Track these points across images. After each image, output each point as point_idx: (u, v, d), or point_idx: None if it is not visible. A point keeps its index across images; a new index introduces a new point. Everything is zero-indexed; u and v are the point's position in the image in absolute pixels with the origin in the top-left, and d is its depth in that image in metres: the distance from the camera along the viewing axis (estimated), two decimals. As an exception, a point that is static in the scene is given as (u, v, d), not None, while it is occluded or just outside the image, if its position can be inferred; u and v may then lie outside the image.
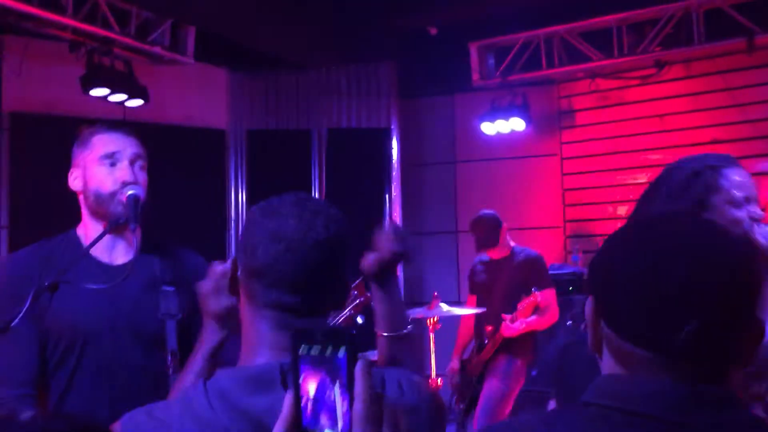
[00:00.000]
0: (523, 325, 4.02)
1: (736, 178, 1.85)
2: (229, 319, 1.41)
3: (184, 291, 1.93)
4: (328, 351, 0.79)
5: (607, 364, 0.98)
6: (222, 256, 5.93)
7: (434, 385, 3.94)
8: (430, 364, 3.96)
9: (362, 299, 2.34)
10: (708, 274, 0.91)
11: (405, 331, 1.56)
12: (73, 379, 1.87)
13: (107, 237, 1.92)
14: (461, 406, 4.36)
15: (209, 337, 1.44)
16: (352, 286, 2.38)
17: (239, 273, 1.22)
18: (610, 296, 0.97)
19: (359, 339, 0.76)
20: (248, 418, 1.08)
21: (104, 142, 1.94)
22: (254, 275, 1.18)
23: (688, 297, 0.90)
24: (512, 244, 4.41)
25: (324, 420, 0.77)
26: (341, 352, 0.78)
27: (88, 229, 1.96)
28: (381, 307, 1.58)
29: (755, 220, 1.85)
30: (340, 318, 2.31)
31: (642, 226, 1.01)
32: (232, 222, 5.85)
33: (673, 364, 0.92)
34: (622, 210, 5.55)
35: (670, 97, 5.40)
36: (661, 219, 1.02)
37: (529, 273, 4.12)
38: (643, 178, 5.50)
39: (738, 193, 1.83)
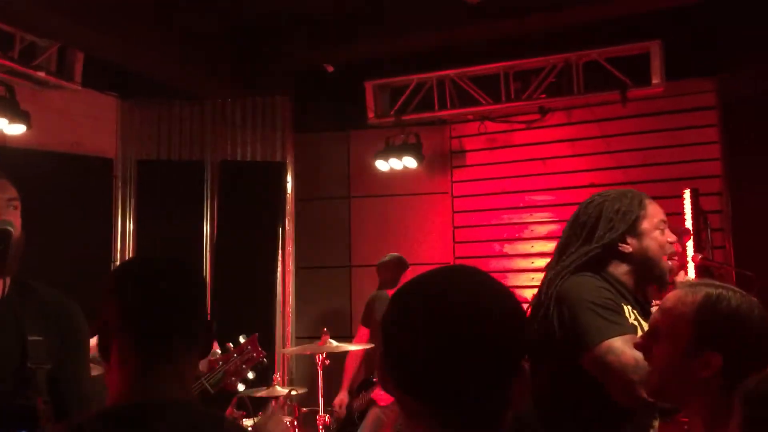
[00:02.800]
0: None
1: (655, 205, 2.11)
2: None
3: (54, 338, 1.87)
4: None
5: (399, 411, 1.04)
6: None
7: (322, 422, 3.93)
8: (318, 401, 3.95)
9: (255, 354, 2.33)
10: (466, 333, 0.97)
11: None
12: None
13: None
14: None
15: None
16: (246, 340, 2.39)
17: (109, 329, 1.32)
18: (390, 349, 1.03)
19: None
20: None
21: None
22: (120, 328, 1.29)
23: (448, 354, 0.96)
24: None
25: None
26: None
27: None
28: None
29: (671, 243, 2.09)
30: (234, 371, 2.29)
31: (421, 283, 1.07)
32: (119, 254, 5.65)
33: (443, 414, 0.98)
34: (509, 248, 5.78)
35: (552, 141, 5.71)
36: (437, 276, 1.08)
37: None
38: (527, 218, 5.76)
39: (660, 219, 2.08)
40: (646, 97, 5.16)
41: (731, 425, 1.25)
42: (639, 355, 1.69)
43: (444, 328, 0.97)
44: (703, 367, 1.41)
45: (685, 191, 4.84)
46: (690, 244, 4.50)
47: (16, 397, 1.78)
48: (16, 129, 4.59)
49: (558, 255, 2.13)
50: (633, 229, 2.05)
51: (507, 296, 1.05)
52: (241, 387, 2.26)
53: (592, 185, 5.51)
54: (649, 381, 1.53)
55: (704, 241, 4.87)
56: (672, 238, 2.08)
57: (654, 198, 2.16)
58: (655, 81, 4.94)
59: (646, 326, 1.98)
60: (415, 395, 0.99)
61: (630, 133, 5.45)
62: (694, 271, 4.53)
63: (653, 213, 2.07)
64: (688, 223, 4.76)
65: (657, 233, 2.05)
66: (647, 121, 5.39)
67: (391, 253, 4.69)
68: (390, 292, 4.47)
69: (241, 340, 2.42)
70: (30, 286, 1.94)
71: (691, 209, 4.78)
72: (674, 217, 4.63)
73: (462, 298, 1.01)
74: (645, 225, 2.05)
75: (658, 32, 4.92)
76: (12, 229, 1.83)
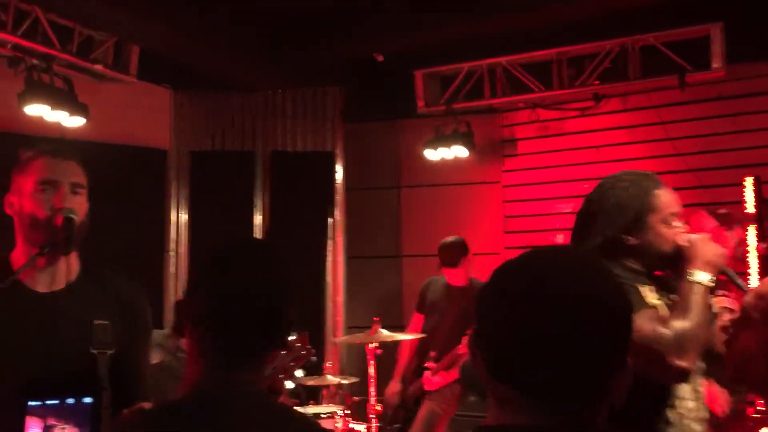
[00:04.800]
0: (441, 379, 4.24)
1: (667, 196, 2.05)
2: None
3: (119, 322, 1.89)
4: (71, 399, 0.75)
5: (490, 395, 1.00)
6: (161, 278, 5.81)
7: (374, 411, 3.93)
8: (369, 390, 3.96)
9: (305, 353, 2.32)
10: (569, 320, 0.91)
11: None
12: None
13: (41, 264, 1.86)
14: (396, 426, 4.41)
15: None
16: (296, 338, 2.37)
17: (186, 317, 1.30)
18: (482, 329, 0.98)
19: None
20: None
21: (43, 169, 1.89)
22: (201, 322, 1.26)
23: (547, 342, 0.91)
24: (472, 275, 4.48)
25: None
26: (86, 400, 0.75)
27: (21, 255, 1.89)
28: None
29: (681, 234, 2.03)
30: (283, 368, 2.29)
31: (523, 263, 1.01)
32: (173, 243, 5.76)
33: (535, 402, 0.93)
34: (560, 238, 5.68)
35: (606, 129, 5.58)
36: (536, 257, 1.01)
37: None
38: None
39: (669, 212, 2.02)
40: (705, 82, 4.99)
41: None
42: (659, 327, 1.78)
43: (546, 313, 0.91)
44: None
45: (746, 179, 4.66)
46: (752, 234, 4.34)
47: (82, 383, 1.79)
48: (74, 121, 4.71)
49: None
50: (636, 223, 2.00)
51: (613, 282, 0.98)
52: (289, 384, 2.25)
53: (648, 173, 5.37)
54: (733, 364, 1.48)
55: (767, 230, 4.70)
56: (682, 229, 2.03)
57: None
58: (715, 65, 4.77)
59: (673, 299, 1.98)
60: (509, 382, 0.94)
61: (689, 119, 5.28)
62: (756, 261, 4.38)
63: (661, 206, 2.02)
64: (750, 212, 4.60)
65: (663, 227, 2.00)
66: (707, 107, 5.22)
67: (454, 236, 4.72)
68: (447, 275, 4.45)
69: (292, 337, 2.40)
70: (99, 272, 1.97)
71: (754, 197, 4.60)
72: (735, 205, 4.48)
73: (567, 282, 0.94)
74: (650, 219, 2.00)
75: (719, 14, 4.75)
76: (75, 217, 1.86)
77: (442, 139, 5.68)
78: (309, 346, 2.36)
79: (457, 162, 5.77)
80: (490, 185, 6.04)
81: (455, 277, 4.48)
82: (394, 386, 4.51)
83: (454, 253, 4.50)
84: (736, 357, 1.47)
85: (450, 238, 4.65)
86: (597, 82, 5.23)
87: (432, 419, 4.26)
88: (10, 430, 1.73)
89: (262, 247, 1.33)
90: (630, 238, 2.01)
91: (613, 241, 2.01)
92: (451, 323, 4.27)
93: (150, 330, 2.04)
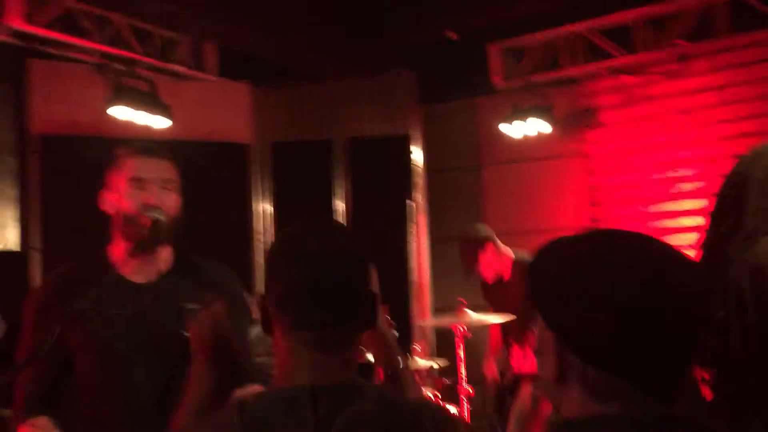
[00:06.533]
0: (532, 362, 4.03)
1: None
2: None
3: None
4: None
5: (575, 394, 0.96)
6: (248, 270, 5.91)
7: (465, 393, 3.91)
8: (459, 372, 3.93)
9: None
10: (658, 301, 0.90)
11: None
12: (97, 399, 1.90)
13: (138, 257, 1.96)
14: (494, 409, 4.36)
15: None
16: None
17: (269, 308, 1.25)
18: (567, 322, 0.94)
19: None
20: None
21: (135, 166, 1.98)
22: (285, 300, 1.21)
23: (645, 320, 0.90)
24: (511, 255, 4.35)
25: None
26: None
27: (119, 249, 2.02)
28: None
29: None
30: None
31: (594, 245, 1.00)
32: (260, 235, 5.88)
33: (626, 385, 0.92)
34: (653, 207, 5.47)
35: (695, 91, 5.32)
36: (613, 238, 1.01)
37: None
38: (672, 174, 5.42)
39: None
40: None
41: None
42: None
43: (645, 290, 0.90)
44: None
45: None
46: None
47: (177, 368, 1.86)
48: (159, 122, 4.86)
49: (717, 223, 1.90)
50: None
51: (695, 263, 0.98)
52: (369, 357, 2.24)
53: (743, 134, 5.09)
54: None
55: None
56: None
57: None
58: (813, 14, 4.46)
59: None
60: (600, 364, 0.92)
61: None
62: None
63: None
64: None
65: None
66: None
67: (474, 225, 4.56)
68: (485, 276, 4.38)
69: None
70: (191, 261, 2.08)
71: None
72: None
73: (661, 258, 0.94)
74: None
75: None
76: (162, 216, 1.94)
77: (521, 114, 5.55)
78: (389, 318, 2.34)
79: (538, 136, 5.63)
80: (574, 158, 5.87)
81: (487, 273, 4.34)
82: (491, 368, 4.45)
83: (468, 250, 4.34)
84: None
85: (468, 230, 4.44)
86: (683, 42, 4.98)
87: (530, 403, 4.15)
88: (119, 417, 1.86)
89: (332, 224, 1.33)
90: None
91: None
92: (518, 311, 4.12)
93: (245, 311, 2.09)
